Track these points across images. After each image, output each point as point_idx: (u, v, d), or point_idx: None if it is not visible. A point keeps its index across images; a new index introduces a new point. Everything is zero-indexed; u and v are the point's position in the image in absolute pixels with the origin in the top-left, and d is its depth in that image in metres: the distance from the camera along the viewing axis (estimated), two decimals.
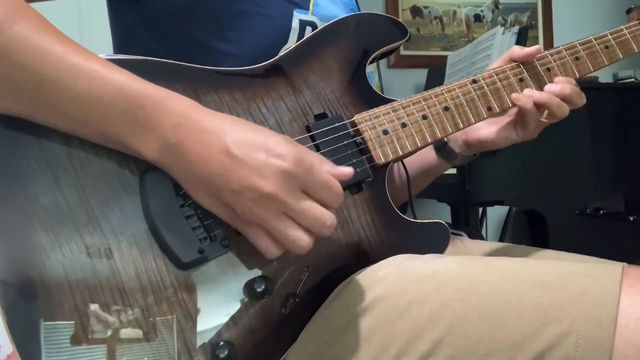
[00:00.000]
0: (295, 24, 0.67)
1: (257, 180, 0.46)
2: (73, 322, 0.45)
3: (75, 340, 0.44)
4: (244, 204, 0.47)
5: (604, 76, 1.86)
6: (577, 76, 0.72)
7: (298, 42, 0.64)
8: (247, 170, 0.46)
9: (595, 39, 0.73)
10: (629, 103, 1.65)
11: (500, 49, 1.65)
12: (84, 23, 1.71)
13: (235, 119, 0.50)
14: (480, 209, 2.08)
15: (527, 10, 2.51)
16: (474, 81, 0.67)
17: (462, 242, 0.81)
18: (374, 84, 0.78)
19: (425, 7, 2.42)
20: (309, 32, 0.68)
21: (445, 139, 0.75)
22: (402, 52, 2.40)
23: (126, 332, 0.46)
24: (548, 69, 0.70)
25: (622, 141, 1.63)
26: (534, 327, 0.47)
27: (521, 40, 1.64)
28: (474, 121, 0.66)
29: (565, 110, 0.68)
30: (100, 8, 0.69)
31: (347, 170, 0.51)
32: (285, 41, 0.67)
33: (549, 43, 2.50)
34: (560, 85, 0.68)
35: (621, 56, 0.74)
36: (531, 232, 2.29)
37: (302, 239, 0.49)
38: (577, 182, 1.58)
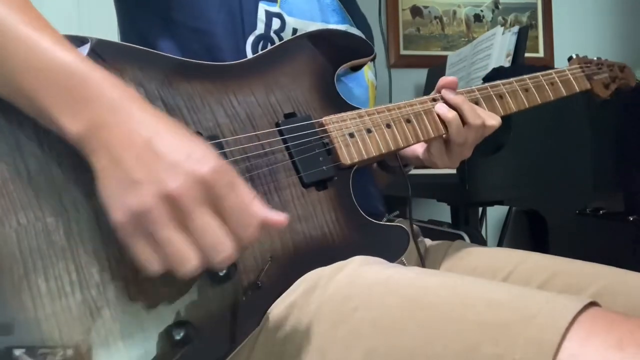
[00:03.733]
0: (260, 13, 0.70)
1: (165, 175, 0.42)
2: (21, 290, 0.43)
3: (22, 309, 0.43)
4: (141, 199, 0.41)
5: None
6: (527, 105, 0.80)
7: (272, 47, 0.68)
8: (160, 165, 0.42)
9: (542, 75, 0.83)
10: (629, 103, 1.65)
11: (500, 49, 1.65)
12: (83, 9, 1.73)
13: (176, 125, 0.46)
14: (480, 209, 2.08)
15: (527, 10, 2.51)
16: (434, 100, 0.73)
17: (474, 249, 0.78)
18: (366, 82, 0.80)
19: (425, 7, 2.42)
20: (275, 23, 0.71)
21: None
22: (402, 52, 2.40)
23: (77, 307, 0.45)
24: (500, 96, 0.78)
25: (622, 141, 1.63)
26: (469, 344, 0.43)
27: (521, 40, 1.64)
28: (433, 135, 0.71)
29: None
30: None
31: (279, 217, 0.46)
32: (254, 27, 0.70)
33: (549, 43, 2.50)
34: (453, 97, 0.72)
35: (564, 93, 0.85)
36: (531, 232, 2.29)
37: (189, 261, 0.42)
38: (577, 182, 1.58)
